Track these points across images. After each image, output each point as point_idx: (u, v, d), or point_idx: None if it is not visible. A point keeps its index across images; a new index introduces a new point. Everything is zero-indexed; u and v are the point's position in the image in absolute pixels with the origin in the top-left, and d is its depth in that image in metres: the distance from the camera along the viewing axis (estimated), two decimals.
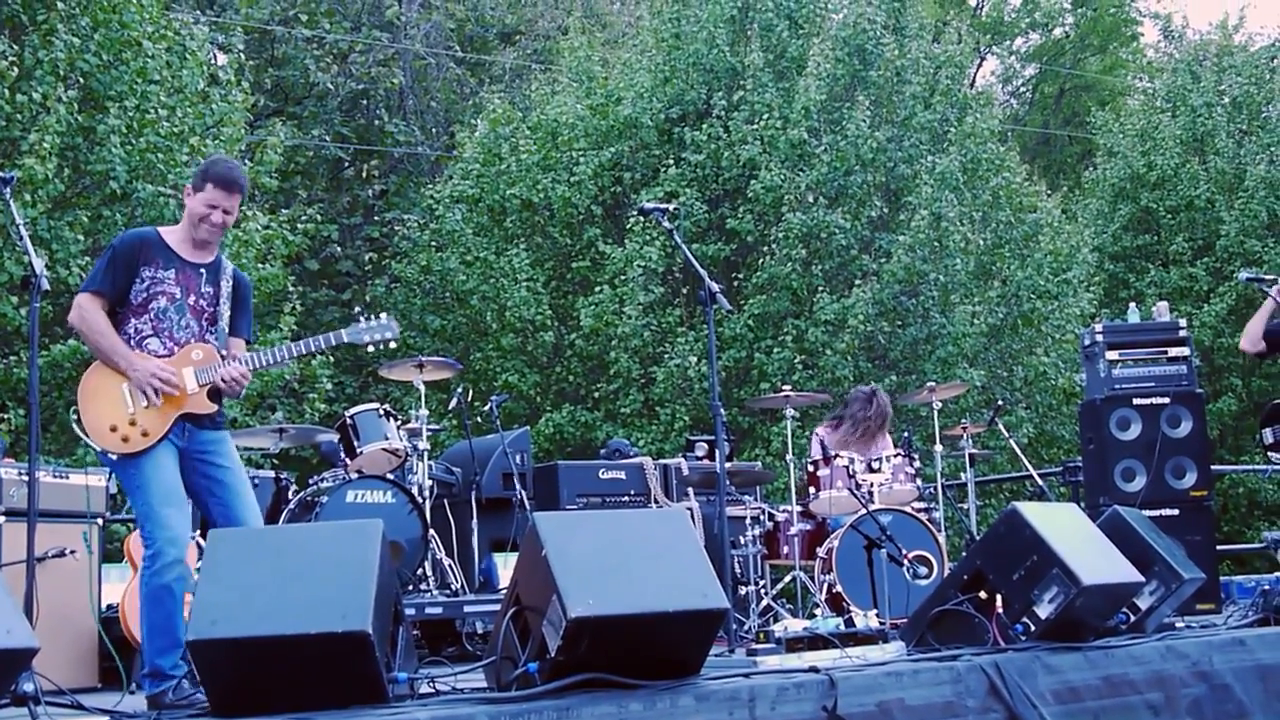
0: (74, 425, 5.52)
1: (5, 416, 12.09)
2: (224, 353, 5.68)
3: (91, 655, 7.38)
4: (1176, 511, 9.17)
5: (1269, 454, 9.35)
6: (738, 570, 9.27)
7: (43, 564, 6.77)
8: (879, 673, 5.01)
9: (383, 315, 6.25)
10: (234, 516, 5.60)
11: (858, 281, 17.72)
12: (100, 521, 7.70)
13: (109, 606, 7.81)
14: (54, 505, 7.28)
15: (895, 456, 9.38)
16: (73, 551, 7.33)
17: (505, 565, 9.73)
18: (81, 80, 12.95)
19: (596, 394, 18.19)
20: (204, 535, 7.08)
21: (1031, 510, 5.85)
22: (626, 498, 9.82)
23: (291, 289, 16.03)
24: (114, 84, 13.27)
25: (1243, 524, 21.89)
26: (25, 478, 6.34)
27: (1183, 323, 9.94)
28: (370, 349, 6.18)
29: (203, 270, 5.72)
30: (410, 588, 8.34)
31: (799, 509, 9.38)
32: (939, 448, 9.93)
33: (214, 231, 5.72)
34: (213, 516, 5.67)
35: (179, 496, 5.45)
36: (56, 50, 12.53)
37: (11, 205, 5.66)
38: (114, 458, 5.42)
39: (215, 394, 5.65)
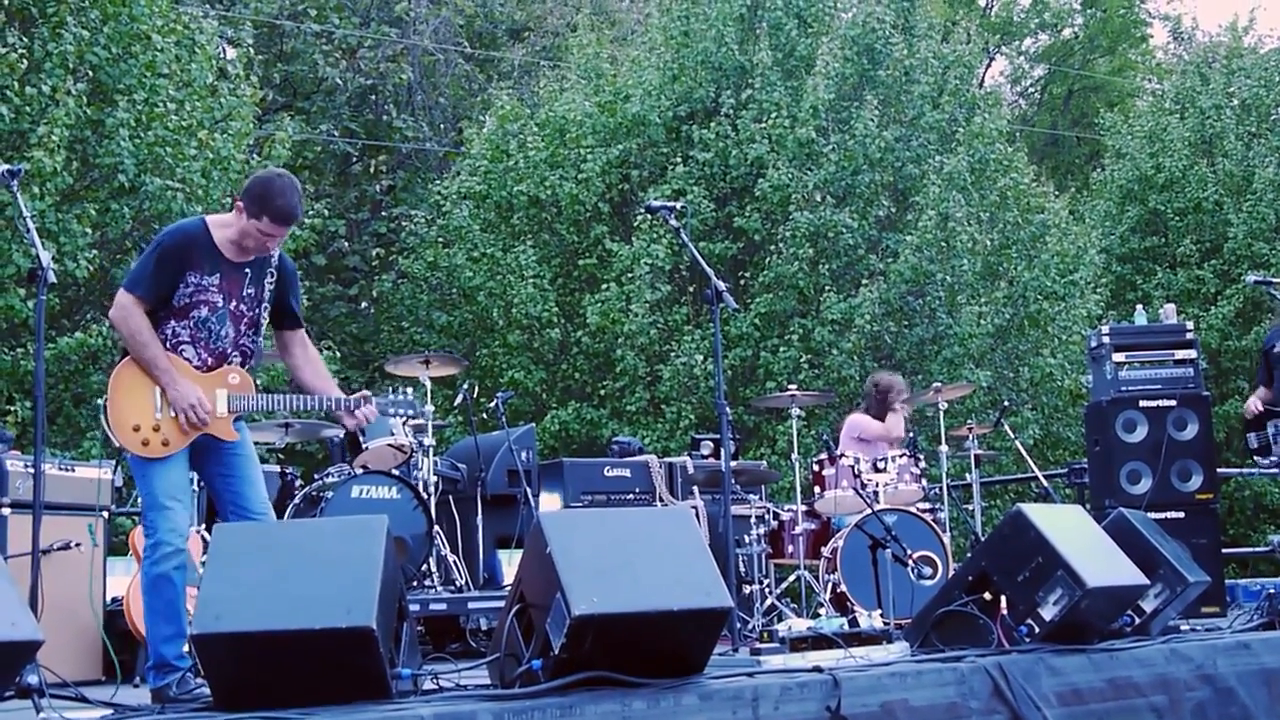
0: (101, 413, 5.50)
1: (11, 409, 12.10)
2: (258, 383, 5.70)
3: (95, 648, 7.38)
4: (1182, 514, 9.18)
5: (1254, 457, 9.36)
6: (742, 569, 9.27)
7: (47, 556, 6.78)
8: (883, 673, 5.01)
9: (410, 391, 6.34)
10: (245, 505, 5.60)
11: (864, 281, 17.72)
12: (105, 514, 7.71)
13: (114, 600, 7.82)
14: (59, 498, 7.29)
15: (900, 457, 9.38)
16: (77, 544, 7.33)
17: (509, 562, 9.74)
18: (90, 73, 12.94)
19: (602, 391, 18.19)
20: (209, 529, 7.10)
21: (1037, 512, 5.85)
22: (631, 495, 9.83)
23: (300, 283, 16.03)
24: (123, 77, 13.27)
25: (1248, 527, 21.86)
26: (31, 470, 6.34)
27: (1190, 325, 9.94)
28: (391, 415, 6.26)
29: (247, 270, 5.64)
30: (415, 583, 8.34)
31: (804, 508, 9.38)
32: (944, 448, 9.93)
33: (262, 254, 5.67)
34: (224, 502, 5.66)
35: (184, 490, 5.46)
36: (66, 43, 12.53)
37: (19, 198, 5.66)
38: (126, 456, 5.43)
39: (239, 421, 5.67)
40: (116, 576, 8.23)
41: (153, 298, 5.45)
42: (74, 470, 7.67)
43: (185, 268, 5.47)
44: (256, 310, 5.70)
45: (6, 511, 7.11)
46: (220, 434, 5.56)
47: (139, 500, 8.40)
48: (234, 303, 5.60)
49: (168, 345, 5.48)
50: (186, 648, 5.24)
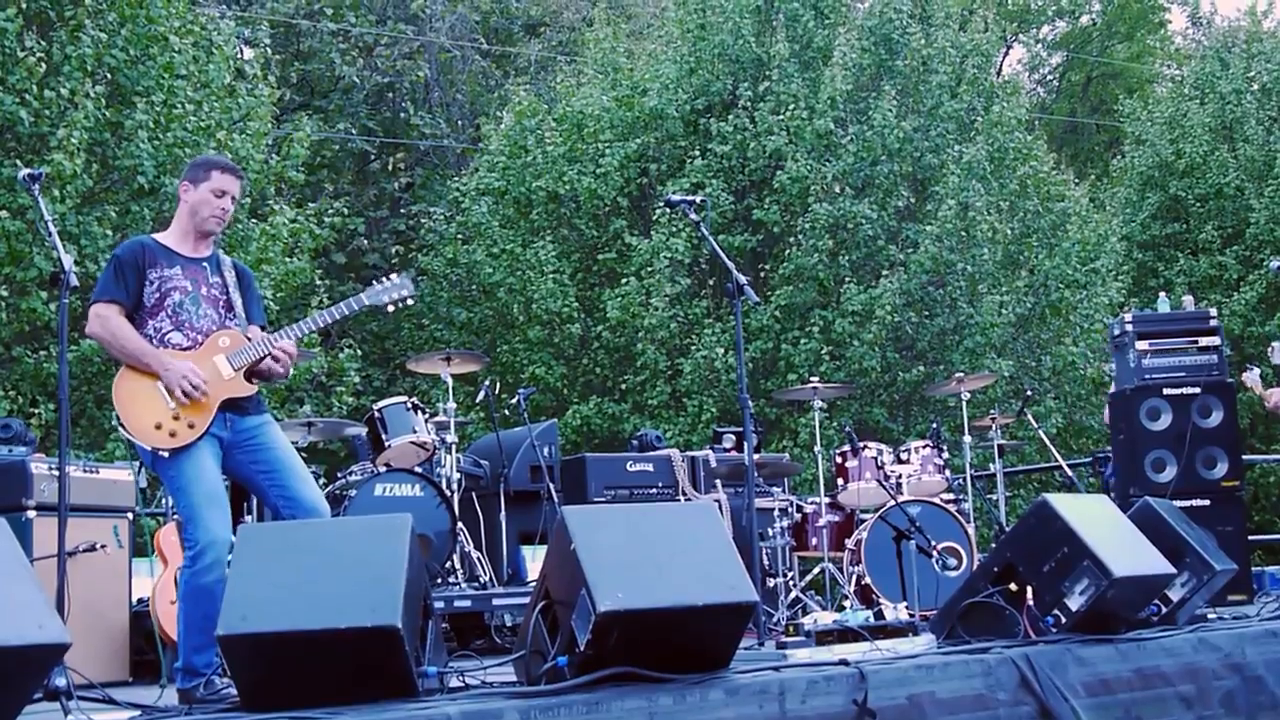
0: (120, 429, 5.51)
1: (35, 411, 12.14)
2: (249, 336, 5.70)
3: (122, 650, 7.41)
4: (1208, 502, 9.12)
5: None
6: (766, 562, 9.27)
7: (73, 558, 6.79)
8: (909, 665, 5.00)
9: (394, 275, 6.23)
10: (295, 496, 5.59)
11: (885, 272, 17.68)
12: (130, 515, 7.73)
13: (139, 600, 7.84)
14: (84, 500, 7.29)
15: (924, 448, 9.36)
16: (103, 546, 7.35)
17: (533, 558, 9.75)
18: (109, 76, 12.99)
19: (623, 386, 18.19)
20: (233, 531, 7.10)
21: (1062, 501, 5.82)
22: (654, 490, 9.82)
23: (318, 282, 16.07)
24: (141, 79, 13.31)
25: (1274, 514, 21.79)
26: (55, 472, 6.36)
27: (1213, 312, 9.88)
28: (390, 309, 6.17)
29: (204, 264, 5.75)
30: (439, 581, 8.35)
31: (827, 500, 9.37)
32: (967, 438, 9.91)
33: (221, 219, 5.78)
34: (272, 501, 5.65)
35: (220, 497, 5.44)
36: (84, 46, 12.57)
37: (40, 201, 5.68)
38: (165, 455, 5.39)
39: (250, 376, 5.67)
40: (141, 577, 8.24)
41: (125, 298, 5.53)
42: (98, 472, 7.68)
43: (144, 267, 5.58)
44: (228, 295, 5.76)
45: (32, 514, 7.12)
46: (238, 392, 5.59)
47: (163, 502, 8.48)
48: (203, 288, 5.69)
49: (154, 342, 5.53)
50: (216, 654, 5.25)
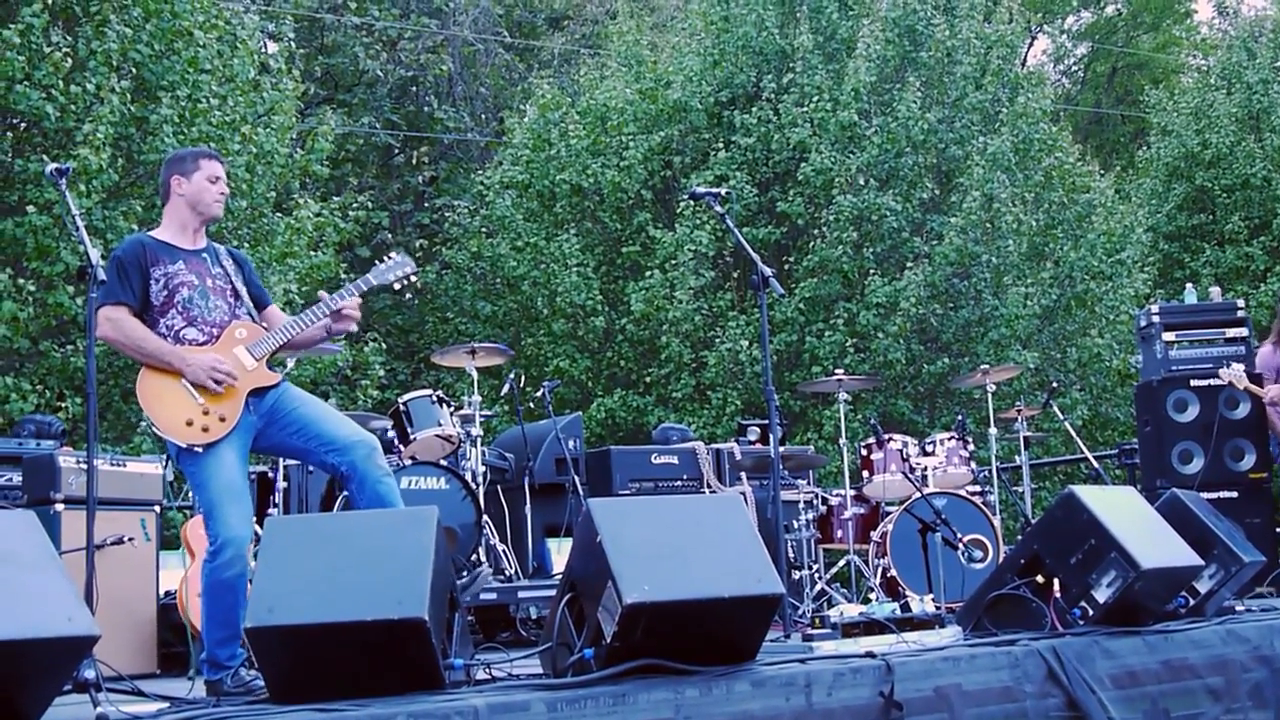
0: (151, 431, 5.52)
1: (63, 405, 12.20)
2: (265, 325, 5.72)
3: (150, 642, 7.45)
4: (1235, 493, 9.10)
5: None
6: (791, 555, 9.25)
7: (101, 551, 6.83)
8: (936, 658, 4.99)
9: (393, 253, 6.22)
10: (333, 439, 5.58)
11: (909, 264, 17.63)
12: (157, 509, 7.76)
13: (167, 593, 7.88)
14: (112, 493, 7.34)
15: (949, 440, 9.34)
16: (131, 539, 7.39)
17: (558, 550, 9.76)
18: (134, 70, 13.03)
19: (648, 379, 18.18)
20: (259, 523, 7.13)
21: (1089, 493, 5.81)
22: (679, 482, 9.81)
23: (343, 276, 16.12)
24: (166, 74, 13.35)
25: None
26: (84, 466, 6.39)
27: (1240, 303, 9.83)
28: (397, 286, 6.16)
29: (204, 255, 5.75)
30: (465, 573, 8.35)
31: (852, 493, 9.35)
32: (993, 430, 9.87)
33: (221, 201, 5.81)
34: (318, 458, 5.64)
35: (241, 492, 5.43)
36: (109, 41, 12.61)
37: (67, 196, 5.70)
38: (199, 449, 5.36)
39: (284, 350, 5.74)
40: (168, 570, 8.28)
41: (132, 300, 5.52)
42: (126, 465, 7.72)
43: (146, 265, 5.56)
44: (234, 283, 5.77)
45: (61, 507, 7.17)
46: (263, 381, 5.59)
47: (190, 495, 8.52)
48: (209, 279, 5.68)
49: (170, 339, 5.51)
50: (240, 645, 5.27)
